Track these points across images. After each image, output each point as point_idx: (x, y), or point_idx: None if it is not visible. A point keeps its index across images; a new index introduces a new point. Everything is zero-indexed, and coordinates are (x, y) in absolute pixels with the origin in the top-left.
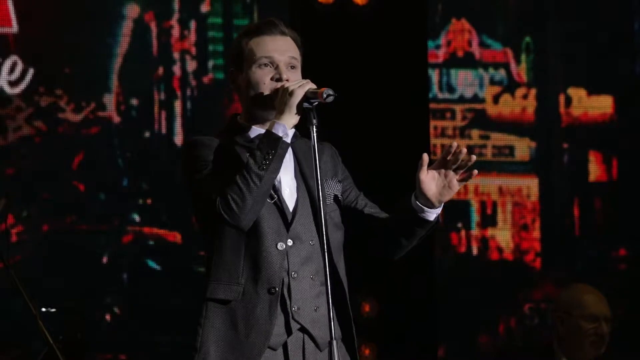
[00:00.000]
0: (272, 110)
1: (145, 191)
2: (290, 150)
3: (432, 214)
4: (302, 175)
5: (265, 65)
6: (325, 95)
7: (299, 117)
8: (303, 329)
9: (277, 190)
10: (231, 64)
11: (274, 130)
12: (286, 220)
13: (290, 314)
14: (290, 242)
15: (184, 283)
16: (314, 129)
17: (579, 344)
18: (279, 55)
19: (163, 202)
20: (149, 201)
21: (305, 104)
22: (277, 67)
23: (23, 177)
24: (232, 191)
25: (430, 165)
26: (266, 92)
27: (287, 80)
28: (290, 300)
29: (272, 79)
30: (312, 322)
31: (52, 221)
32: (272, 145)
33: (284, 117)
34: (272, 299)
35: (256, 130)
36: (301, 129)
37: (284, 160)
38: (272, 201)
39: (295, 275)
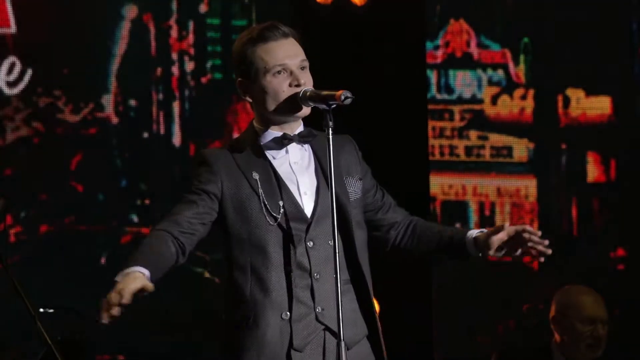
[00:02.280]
0: (289, 114)
1: (143, 192)
2: (309, 148)
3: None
4: (323, 173)
5: (279, 72)
6: (343, 98)
7: None
8: (328, 329)
9: (293, 200)
10: (239, 73)
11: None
12: (303, 226)
13: (315, 315)
14: (310, 244)
15: (182, 283)
16: (330, 132)
17: (575, 347)
18: (291, 60)
19: (161, 203)
20: (147, 202)
21: (323, 106)
22: (291, 73)
23: (21, 178)
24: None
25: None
26: (285, 98)
27: (304, 83)
28: (314, 302)
29: (290, 85)
30: (336, 322)
31: (51, 222)
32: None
33: None
34: (282, 325)
35: (271, 134)
36: (315, 128)
37: (303, 160)
38: (275, 223)
39: (318, 276)
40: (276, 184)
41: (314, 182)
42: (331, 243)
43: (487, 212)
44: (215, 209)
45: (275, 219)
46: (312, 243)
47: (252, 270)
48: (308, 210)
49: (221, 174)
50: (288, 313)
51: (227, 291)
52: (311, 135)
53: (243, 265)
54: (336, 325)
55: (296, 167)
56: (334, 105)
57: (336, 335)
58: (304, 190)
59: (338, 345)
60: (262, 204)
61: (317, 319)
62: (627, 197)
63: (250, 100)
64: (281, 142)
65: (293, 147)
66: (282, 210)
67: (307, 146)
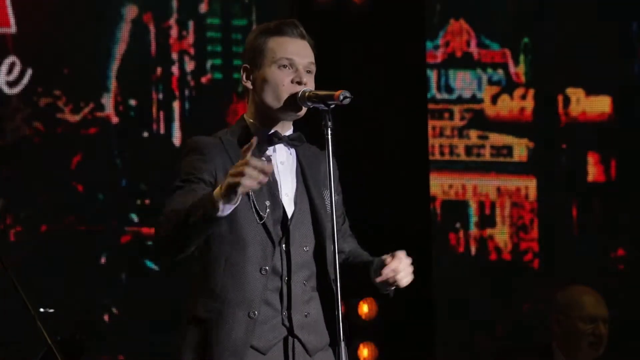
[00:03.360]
0: (284, 111)
1: (143, 191)
2: (294, 154)
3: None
4: (305, 181)
5: (285, 66)
6: (341, 97)
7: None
8: (292, 334)
9: (277, 200)
10: (246, 60)
11: (219, 207)
12: (282, 229)
13: (281, 319)
14: (284, 247)
15: (182, 283)
16: (329, 132)
17: (577, 345)
18: (300, 58)
19: (161, 203)
20: (147, 202)
21: (322, 106)
22: (296, 70)
23: (21, 178)
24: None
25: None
26: (284, 94)
27: (305, 84)
28: (282, 306)
29: (292, 81)
30: (302, 328)
31: (51, 222)
32: (208, 218)
33: (224, 200)
34: (249, 323)
35: (262, 130)
36: (313, 131)
37: (288, 161)
38: (261, 222)
39: (289, 280)
40: (265, 183)
41: (294, 186)
42: (306, 249)
43: (487, 212)
44: None
45: (262, 217)
46: (286, 247)
47: (228, 265)
48: (288, 212)
49: (215, 163)
50: (256, 312)
51: (193, 285)
52: (300, 140)
53: (218, 259)
54: (300, 331)
55: (282, 167)
56: (333, 105)
57: (301, 341)
58: (286, 191)
59: (338, 345)
60: (251, 201)
61: (282, 323)
62: (627, 197)
63: (250, 87)
64: (271, 140)
65: (280, 147)
66: (268, 210)
67: (292, 150)
